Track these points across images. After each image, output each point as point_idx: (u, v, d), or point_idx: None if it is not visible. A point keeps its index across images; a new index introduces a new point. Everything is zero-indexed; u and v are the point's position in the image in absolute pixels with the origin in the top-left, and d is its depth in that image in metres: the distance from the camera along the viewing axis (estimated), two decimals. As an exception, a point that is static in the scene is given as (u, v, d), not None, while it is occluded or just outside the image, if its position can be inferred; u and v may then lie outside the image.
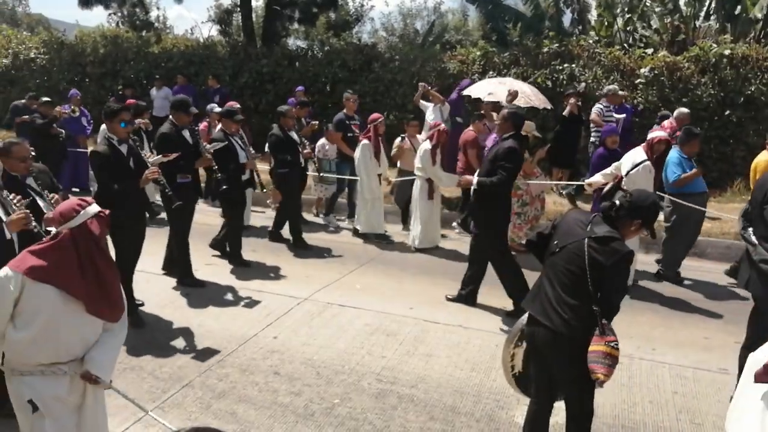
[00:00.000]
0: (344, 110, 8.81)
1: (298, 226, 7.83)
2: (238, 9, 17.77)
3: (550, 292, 3.17)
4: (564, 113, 9.92)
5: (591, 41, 12.89)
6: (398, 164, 8.65)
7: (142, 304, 5.58)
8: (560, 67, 11.75)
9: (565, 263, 3.12)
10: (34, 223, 3.75)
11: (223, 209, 7.39)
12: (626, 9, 15.56)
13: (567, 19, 16.66)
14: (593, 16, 17.03)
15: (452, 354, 4.92)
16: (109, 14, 19.06)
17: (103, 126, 8.46)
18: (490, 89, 9.36)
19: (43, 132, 8.90)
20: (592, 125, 9.83)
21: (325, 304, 5.88)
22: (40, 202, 4.20)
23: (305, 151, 7.66)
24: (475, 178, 5.73)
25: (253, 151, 7.05)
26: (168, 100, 13.01)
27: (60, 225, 2.72)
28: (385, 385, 4.38)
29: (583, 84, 11.29)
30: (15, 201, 3.76)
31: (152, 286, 6.06)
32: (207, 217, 7.95)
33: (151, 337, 5.06)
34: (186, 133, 6.13)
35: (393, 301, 5.96)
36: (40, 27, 22.10)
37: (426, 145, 7.56)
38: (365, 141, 7.92)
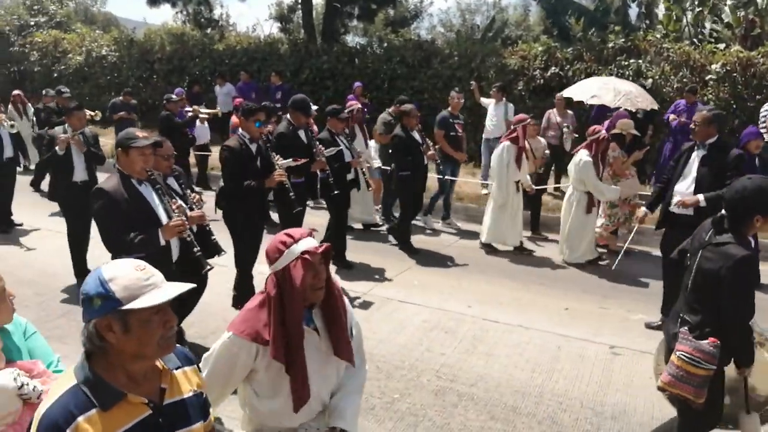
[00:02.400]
0: (448, 108, 8.46)
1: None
2: (299, 6, 18.05)
3: (680, 307, 3.08)
4: None
5: (658, 36, 12.46)
6: None
7: None
8: (626, 63, 11.42)
9: (693, 276, 2.99)
10: (188, 232, 3.72)
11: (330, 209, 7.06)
12: (696, 2, 14.95)
13: (633, 13, 16.14)
14: (661, 10, 16.44)
15: (512, 354, 4.87)
16: (176, 12, 19.65)
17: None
18: (593, 91, 8.79)
19: (177, 131, 8.58)
20: (674, 123, 9.39)
21: (383, 299, 5.92)
22: (181, 203, 4.24)
23: (429, 153, 7.26)
24: (700, 196, 4.88)
25: (359, 149, 6.88)
26: (231, 96, 13.42)
27: (270, 266, 2.30)
28: (445, 383, 4.39)
29: (650, 80, 10.94)
30: (174, 207, 3.75)
31: (223, 278, 6.18)
32: (313, 218, 7.58)
33: (216, 327, 5.21)
34: (302, 134, 6.06)
35: (451, 299, 5.95)
36: (111, 26, 23.05)
37: (584, 156, 6.78)
38: (508, 142, 7.23)
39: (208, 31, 18.29)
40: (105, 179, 3.81)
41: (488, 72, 12.37)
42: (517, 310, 5.73)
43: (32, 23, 18.91)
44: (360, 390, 2.53)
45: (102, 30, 20.18)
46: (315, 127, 7.53)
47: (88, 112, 8.87)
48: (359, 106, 7.96)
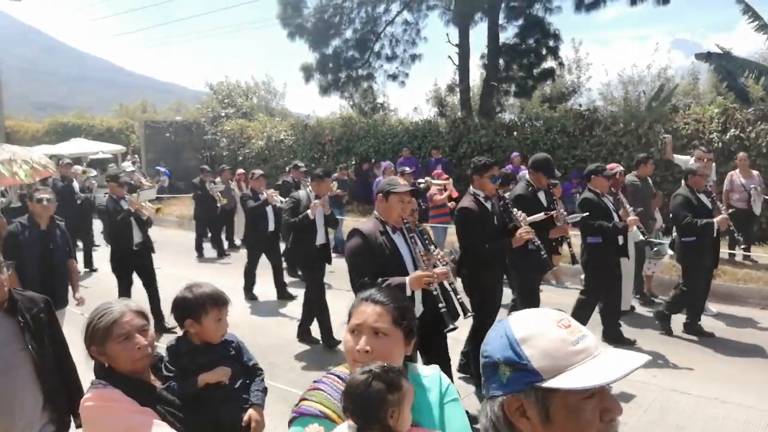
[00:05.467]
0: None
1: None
2: (457, 86, 18.79)
3: None
4: None
5: None
6: None
7: None
8: (821, 122, 10.28)
9: None
10: (436, 285, 3.51)
11: (587, 283, 6.24)
12: None
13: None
14: None
15: (709, 428, 4.32)
16: (345, 99, 21.28)
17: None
18: None
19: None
20: None
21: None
22: (429, 255, 4.01)
23: (719, 218, 6.09)
24: None
25: (631, 209, 6.02)
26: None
27: None
28: (632, 452, 3.97)
29: None
30: (424, 258, 3.62)
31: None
32: (553, 294, 7.30)
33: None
34: (542, 196, 5.49)
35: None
36: (287, 116, 25.57)
37: None
38: None
39: (373, 116, 19.63)
40: (362, 222, 3.80)
41: (657, 138, 11.77)
42: (711, 382, 5.11)
43: (223, 114, 21.59)
44: None
45: (280, 118, 22.43)
46: (558, 191, 6.75)
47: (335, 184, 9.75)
48: (621, 168, 7.17)
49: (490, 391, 1.10)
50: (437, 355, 3.94)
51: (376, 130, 16.65)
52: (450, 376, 4.05)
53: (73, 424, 2.79)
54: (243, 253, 10.93)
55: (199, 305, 2.29)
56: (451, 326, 3.57)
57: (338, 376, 1.79)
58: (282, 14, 18.60)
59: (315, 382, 1.81)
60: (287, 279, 8.59)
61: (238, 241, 12.08)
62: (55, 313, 2.86)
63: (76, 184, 10.59)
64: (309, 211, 6.33)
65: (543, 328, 1.07)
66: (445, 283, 3.80)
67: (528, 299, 5.26)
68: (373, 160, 15.62)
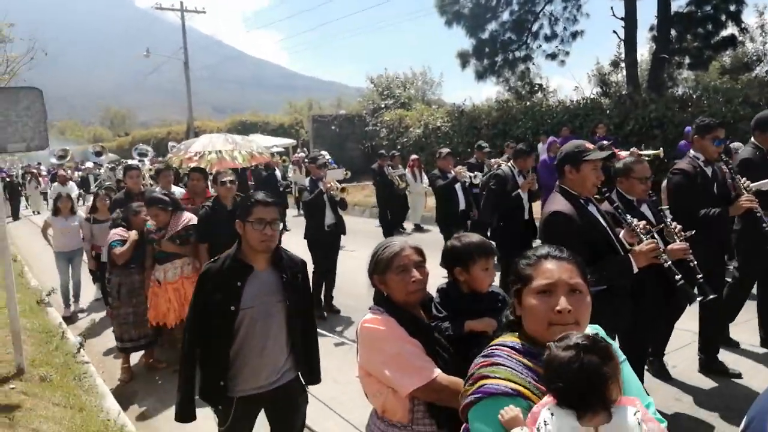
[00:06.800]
0: None
1: None
2: (623, 61, 17.76)
3: None
4: None
5: None
6: None
7: None
8: None
9: None
10: (665, 257, 3.21)
11: None
12: None
13: None
14: None
15: None
16: (500, 81, 21.03)
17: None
18: None
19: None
20: None
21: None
22: (643, 223, 3.52)
23: None
24: None
25: None
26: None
27: None
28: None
29: None
30: (640, 227, 3.31)
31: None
32: None
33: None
34: None
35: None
36: (442, 105, 25.95)
37: None
38: None
39: (531, 98, 19.22)
40: (552, 201, 3.29)
41: None
42: None
43: (383, 105, 22.47)
44: None
45: (437, 107, 22.85)
46: None
47: None
48: None
49: None
50: None
51: (533, 112, 16.33)
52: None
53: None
54: (415, 236, 11.29)
55: (467, 253, 2.30)
56: (699, 297, 3.31)
57: (510, 347, 1.56)
58: (439, 2, 18.88)
59: (485, 356, 1.57)
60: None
61: (405, 224, 12.51)
62: (307, 274, 3.10)
63: (278, 173, 11.70)
64: (520, 191, 6.27)
65: None
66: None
67: (739, 282, 4.79)
68: (533, 139, 15.16)
